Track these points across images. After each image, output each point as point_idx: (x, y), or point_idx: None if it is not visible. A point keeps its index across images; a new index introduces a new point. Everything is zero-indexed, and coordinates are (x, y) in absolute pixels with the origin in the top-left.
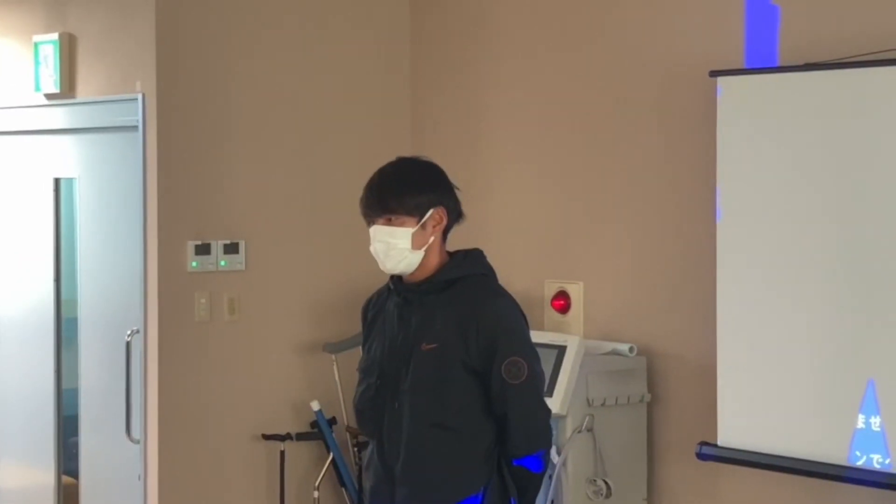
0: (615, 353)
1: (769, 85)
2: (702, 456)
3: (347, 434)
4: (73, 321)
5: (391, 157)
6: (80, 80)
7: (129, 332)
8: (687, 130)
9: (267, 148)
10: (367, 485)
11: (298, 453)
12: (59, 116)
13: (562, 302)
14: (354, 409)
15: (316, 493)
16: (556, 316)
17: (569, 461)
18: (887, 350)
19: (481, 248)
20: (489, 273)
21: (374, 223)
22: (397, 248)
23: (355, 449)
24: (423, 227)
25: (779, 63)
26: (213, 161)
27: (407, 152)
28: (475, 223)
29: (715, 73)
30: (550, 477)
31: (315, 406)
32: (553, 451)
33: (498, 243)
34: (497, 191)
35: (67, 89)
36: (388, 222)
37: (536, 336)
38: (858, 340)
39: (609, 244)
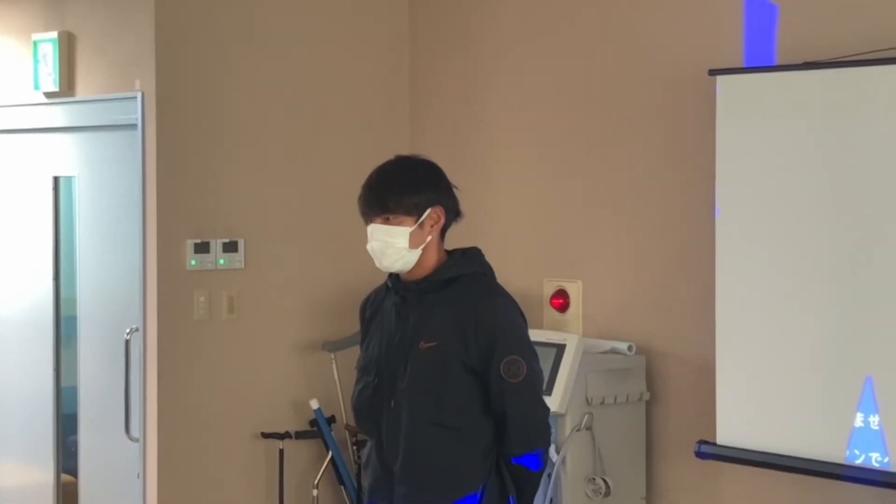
0: (614, 351)
1: (768, 84)
2: (701, 454)
3: (346, 432)
4: (73, 319)
5: (390, 156)
6: (79, 79)
7: (128, 331)
8: (686, 129)
9: (266, 146)
10: (365, 483)
11: (297, 452)
12: (59, 115)
13: (561, 301)
14: (352, 407)
15: (315, 492)
16: (555, 315)
17: (568, 460)
18: (885, 348)
19: (480, 246)
20: (487, 272)
21: (371, 222)
22: (395, 247)
23: (354, 447)
24: (421, 226)
25: (777, 62)
26: (212, 159)
27: (406, 151)
28: (474, 222)
29: (714, 72)
30: (549, 475)
31: (314, 404)
32: (552, 449)
33: (497, 242)
34: (496, 189)
35: (67, 88)
36: (386, 221)
37: (535, 335)
38: (857, 339)
39: (608, 243)
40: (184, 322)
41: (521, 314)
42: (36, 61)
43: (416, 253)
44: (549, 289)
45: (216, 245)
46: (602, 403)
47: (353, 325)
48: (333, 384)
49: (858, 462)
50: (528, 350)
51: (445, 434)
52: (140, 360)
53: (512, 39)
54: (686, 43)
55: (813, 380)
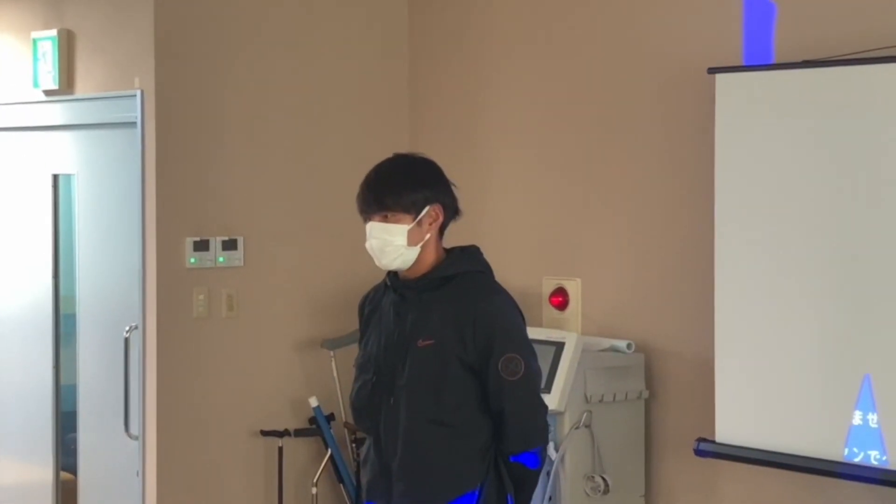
0: (613, 349)
1: (767, 82)
2: (699, 452)
3: (345, 430)
4: (72, 317)
5: (389, 154)
6: (78, 77)
7: (127, 329)
8: (685, 127)
9: (265, 144)
10: (364, 480)
11: (296, 449)
12: (58, 113)
13: (560, 299)
14: (351, 405)
15: (314, 489)
16: (554, 313)
17: (567, 457)
18: (883, 346)
19: (479, 244)
20: (486, 270)
21: (370, 220)
22: (393, 245)
23: (353, 445)
24: (420, 223)
25: (776, 60)
26: (212, 157)
27: (405, 149)
28: (473, 220)
29: (713, 70)
30: (548, 473)
31: (313, 402)
32: (551, 447)
33: (496, 240)
34: (495, 187)
35: (66, 86)
36: (385, 219)
37: (534, 333)
38: (855, 337)
39: (607, 241)
40: (183, 320)
41: (520, 312)
42: (35, 59)
43: (415, 251)
44: (548, 287)
45: (215, 243)
46: (601, 401)
47: (352, 323)
48: (332, 382)
49: (857, 460)
50: (527, 348)
51: (444, 432)
52: (139, 357)
53: (510, 38)
54: (685, 41)
55: (811, 378)
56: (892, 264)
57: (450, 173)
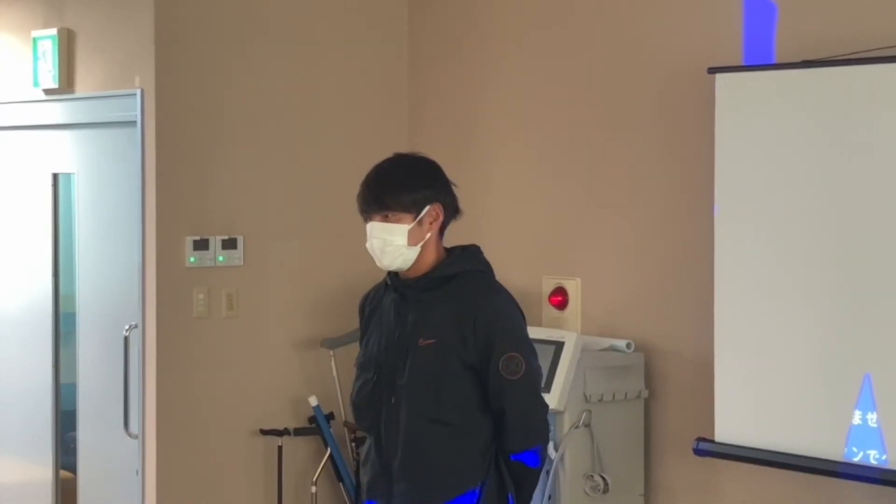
0: (612, 349)
1: (767, 82)
2: (699, 452)
3: (345, 429)
4: (72, 316)
5: (388, 154)
6: (78, 76)
7: (127, 328)
8: (685, 127)
9: (265, 144)
10: (364, 480)
11: (296, 448)
12: (58, 112)
13: (559, 298)
14: (352, 404)
15: (314, 489)
16: (554, 312)
17: (566, 457)
18: (884, 346)
19: (479, 244)
20: (486, 269)
21: (370, 220)
22: (394, 245)
23: (353, 444)
24: (420, 223)
25: (776, 60)
26: (212, 157)
27: (404, 148)
28: (472, 219)
29: (713, 70)
30: (548, 472)
31: (313, 401)
32: (550, 446)
33: (495, 240)
34: (495, 187)
35: (66, 85)
36: (385, 219)
37: (534, 332)
38: (855, 336)
39: (607, 240)
40: (183, 319)
41: (520, 311)
42: (35, 58)
43: (416, 250)
44: (547, 286)
45: (215, 242)
46: (601, 401)
47: (352, 323)
48: (332, 381)
49: (856, 459)
50: (527, 347)
51: (444, 431)
52: (139, 356)
53: (510, 37)
54: (685, 41)
55: (811, 377)
56: (892, 264)
57: (449, 173)
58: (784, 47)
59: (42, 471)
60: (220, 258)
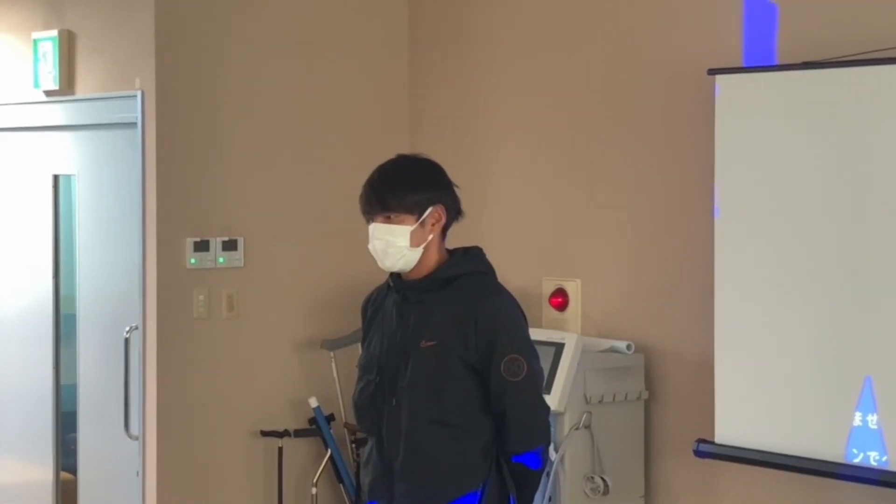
0: (613, 350)
1: (767, 83)
2: (699, 453)
3: (345, 430)
4: (72, 317)
5: (389, 155)
6: (79, 77)
7: (127, 329)
8: (685, 128)
9: (265, 145)
10: (365, 481)
11: (296, 450)
12: (58, 113)
13: (560, 299)
14: (353, 405)
15: (314, 490)
16: (554, 313)
17: (566, 458)
18: (884, 347)
19: (479, 245)
20: (488, 271)
21: (373, 221)
22: (396, 246)
23: (353, 445)
24: (422, 224)
25: (777, 62)
26: (212, 158)
27: (405, 149)
28: (473, 221)
29: (713, 72)
30: (548, 474)
31: (313, 402)
32: (550, 448)
33: (496, 241)
34: (495, 188)
35: (66, 86)
36: (388, 220)
37: (534, 333)
38: (856, 338)
39: (607, 242)
40: (183, 320)
41: (522, 313)
42: (36, 60)
43: (418, 252)
44: (548, 287)
45: (215, 243)
46: (601, 402)
47: (352, 324)
48: (332, 382)
49: (857, 461)
50: (529, 349)
51: (446, 432)
52: (139, 358)
53: (510, 38)
54: (685, 42)
55: (812, 379)
56: (893, 266)
57: (450, 174)
58: (784, 48)
59: (42, 472)
60: (221, 259)
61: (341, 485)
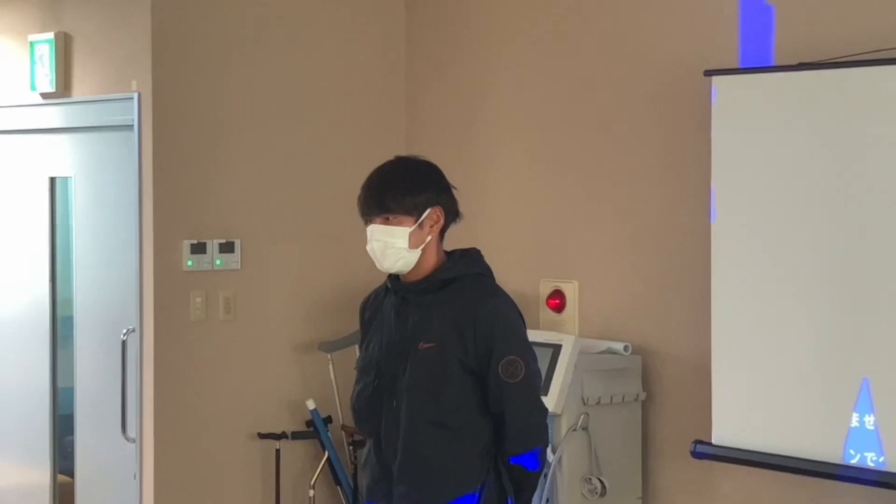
0: (610, 351)
1: (764, 84)
2: (696, 454)
3: (343, 433)
4: (69, 320)
5: (386, 157)
6: (75, 80)
7: (124, 331)
8: (682, 130)
9: (262, 147)
10: (364, 482)
11: (294, 452)
12: (55, 115)
13: (557, 301)
14: (352, 407)
15: (311, 492)
16: (551, 315)
17: (564, 460)
18: (881, 348)
19: (477, 246)
20: (486, 272)
21: (371, 222)
22: (394, 248)
23: (351, 448)
24: (421, 226)
25: (773, 63)
26: (209, 160)
27: (401, 151)
28: (470, 222)
29: (710, 73)
30: (546, 475)
31: (310, 405)
32: (548, 449)
33: (493, 242)
34: (492, 190)
35: (63, 88)
36: (386, 221)
37: (532, 335)
38: (853, 339)
39: (604, 243)
40: (180, 323)
41: (520, 315)
42: (32, 62)
43: (416, 253)
44: (545, 289)
45: (213, 246)
46: (598, 403)
47: (350, 326)
48: (330, 385)
49: (854, 462)
50: (527, 350)
51: (444, 434)
52: (137, 360)
53: (507, 40)
54: (682, 44)
55: (809, 380)
56: (890, 267)
57: (447, 175)
58: (781, 50)
59: (40, 475)
60: (218, 262)
61: (339, 487)
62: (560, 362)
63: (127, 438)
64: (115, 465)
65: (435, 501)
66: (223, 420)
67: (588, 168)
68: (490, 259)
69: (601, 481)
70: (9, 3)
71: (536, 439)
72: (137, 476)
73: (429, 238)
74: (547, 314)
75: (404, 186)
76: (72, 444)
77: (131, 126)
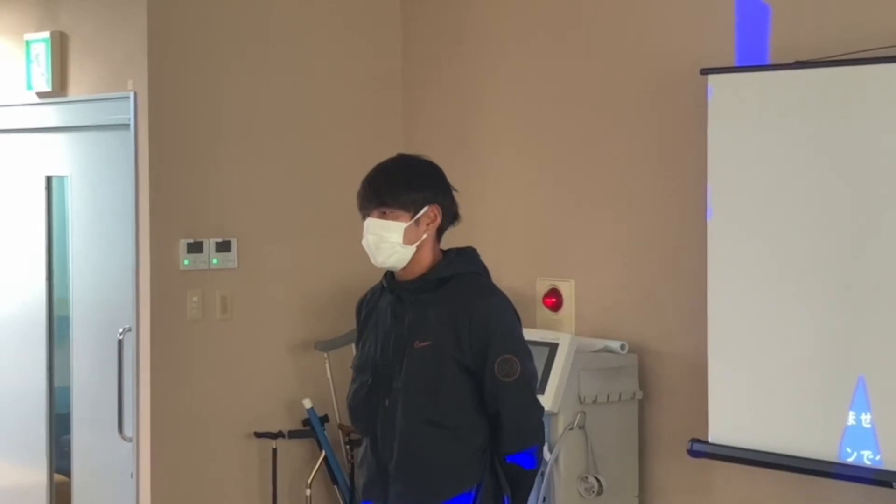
0: (607, 350)
1: (760, 83)
2: (693, 453)
3: (339, 432)
4: (66, 319)
5: (382, 156)
6: (71, 79)
7: (121, 331)
8: (678, 128)
9: (259, 146)
10: (360, 482)
11: (290, 451)
12: (51, 115)
13: (553, 300)
14: (348, 406)
15: (308, 491)
16: (548, 314)
17: (561, 458)
18: (878, 347)
19: (473, 245)
20: (482, 271)
21: (368, 216)
22: (389, 242)
23: (347, 447)
24: (417, 223)
25: (769, 61)
26: (205, 159)
27: (399, 150)
28: (467, 221)
29: (706, 71)
30: (542, 474)
31: (307, 404)
32: (545, 448)
33: (489, 241)
34: (489, 189)
35: (59, 87)
36: (382, 216)
37: (528, 334)
38: (849, 338)
39: (601, 242)
40: (177, 322)
41: (516, 313)
42: (28, 61)
43: (410, 250)
44: (541, 288)
45: (209, 245)
46: (595, 402)
47: (346, 325)
48: (326, 384)
49: (851, 460)
50: (523, 349)
51: (440, 433)
52: (133, 359)
53: (503, 39)
54: (678, 42)
55: (805, 378)
56: (886, 265)
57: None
58: (777, 48)
59: (36, 474)
60: (215, 261)
61: (335, 486)
62: (557, 361)
63: (124, 438)
64: (111, 465)
65: (431, 500)
66: (220, 419)
67: (584, 167)
68: (486, 258)
69: (598, 480)
70: (5, 2)
71: (533, 438)
72: (134, 475)
73: (424, 236)
74: (543, 313)
75: (403, 182)
76: (68, 444)
77: (127, 125)
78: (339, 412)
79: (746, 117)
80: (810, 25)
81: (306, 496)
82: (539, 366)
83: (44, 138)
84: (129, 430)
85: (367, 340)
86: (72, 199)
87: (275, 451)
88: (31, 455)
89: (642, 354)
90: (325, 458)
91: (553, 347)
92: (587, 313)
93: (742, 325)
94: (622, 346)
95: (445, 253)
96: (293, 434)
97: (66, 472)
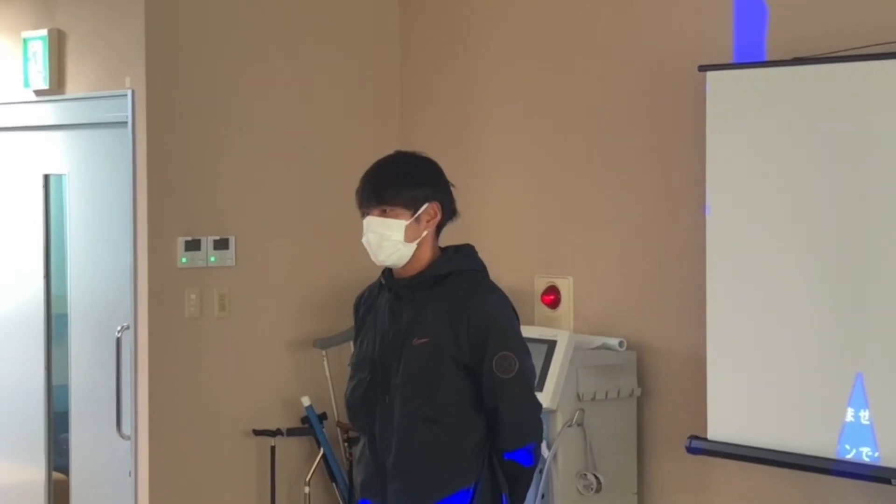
0: (605, 347)
1: (758, 79)
2: (692, 450)
3: (338, 429)
4: (64, 317)
5: (380, 154)
6: (69, 77)
7: (119, 329)
8: (676, 125)
9: (257, 144)
10: (358, 479)
11: (289, 449)
12: (49, 112)
13: (552, 297)
14: (346, 403)
15: (307, 489)
16: (546, 311)
17: (559, 456)
18: (876, 344)
19: (471, 242)
20: (480, 268)
21: (368, 214)
22: (390, 240)
23: (346, 444)
24: (417, 220)
25: (767, 58)
26: (203, 157)
27: (396, 148)
28: (465, 219)
29: (704, 68)
30: (541, 471)
31: (305, 401)
32: (543, 445)
33: (488, 239)
34: (487, 186)
35: (57, 85)
36: (383, 214)
37: (526, 331)
38: (847, 334)
39: (599, 239)
40: (175, 320)
41: (514, 311)
42: (26, 59)
43: (411, 247)
44: (540, 285)
45: (207, 242)
46: (593, 399)
47: (344, 322)
48: (325, 381)
49: (849, 457)
50: (521, 346)
51: (438, 430)
52: (131, 357)
53: (502, 36)
54: (676, 39)
55: (804, 375)
56: (885, 262)
57: None
58: (775, 45)
59: (34, 472)
60: (212, 258)
61: (334, 484)
62: (555, 358)
63: (122, 435)
64: (110, 463)
65: (429, 498)
66: (218, 417)
67: (582, 164)
68: (484, 255)
69: (596, 477)
70: (2, 0)
71: (531, 435)
72: (132, 473)
73: (425, 233)
74: (542, 310)
75: (403, 180)
76: (67, 442)
77: (125, 123)
78: (337, 410)
79: (745, 114)
80: (808, 22)
81: (305, 494)
82: (537, 363)
83: (41, 136)
84: (127, 428)
85: (365, 338)
86: (69, 197)
87: (273, 448)
88: (29, 453)
89: (641, 351)
90: (324, 456)
91: (551, 345)
92: (585, 310)
93: (741, 321)
94: (621, 343)
95: (444, 250)
96: (291, 432)
97: (65, 470)
